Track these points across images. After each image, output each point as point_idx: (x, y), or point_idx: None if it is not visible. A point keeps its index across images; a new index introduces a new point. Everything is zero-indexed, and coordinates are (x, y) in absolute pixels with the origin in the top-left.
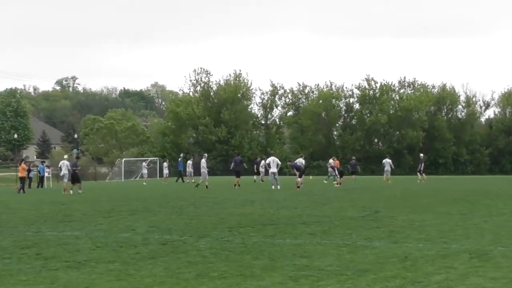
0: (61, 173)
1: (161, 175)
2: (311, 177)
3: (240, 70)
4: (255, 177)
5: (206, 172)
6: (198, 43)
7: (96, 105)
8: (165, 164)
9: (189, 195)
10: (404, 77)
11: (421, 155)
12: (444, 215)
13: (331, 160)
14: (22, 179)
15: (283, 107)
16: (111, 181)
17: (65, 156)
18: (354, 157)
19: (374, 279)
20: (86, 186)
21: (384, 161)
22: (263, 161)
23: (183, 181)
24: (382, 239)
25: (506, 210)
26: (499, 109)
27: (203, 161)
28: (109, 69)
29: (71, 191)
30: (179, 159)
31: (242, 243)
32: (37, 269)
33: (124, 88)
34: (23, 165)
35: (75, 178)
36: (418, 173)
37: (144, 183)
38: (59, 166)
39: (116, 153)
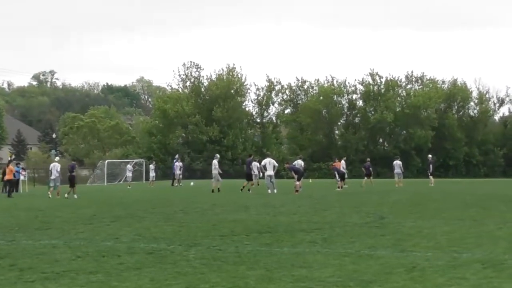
0: (52, 177)
1: (147, 178)
2: (310, 180)
3: (233, 64)
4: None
5: (218, 174)
6: (187, 35)
7: (76, 102)
8: (151, 166)
9: (178, 200)
10: (412, 72)
11: (429, 156)
12: (455, 221)
13: (342, 161)
14: (8, 182)
15: (280, 104)
16: (92, 184)
17: (56, 159)
18: (369, 159)
19: None
20: (64, 191)
21: (394, 163)
22: (255, 163)
23: (173, 185)
24: (388, 248)
25: None
26: None
27: (215, 162)
28: (91, 63)
29: (66, 195)
30: (174, 161)
31: (235, 252)
32: (12, 281)
33: (107, 83)
34: (10, 166)
35: (71, 181)
36: (429, 176)
37: (129, 187)
38: (49, 168)
39: (98, 154)
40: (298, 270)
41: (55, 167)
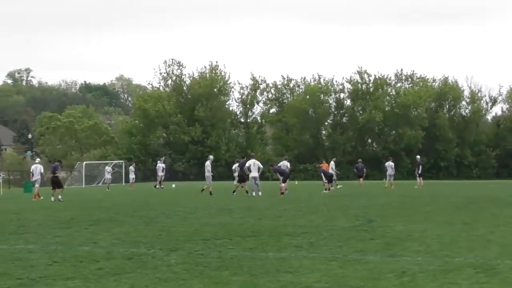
0: (33, 178)
1: (127, 180)
2: (296, 182)
3: (216, 62)
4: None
5: (211, 176)
6: (169, 31)
7: (53, 101)
8: (131, 167)
9: (159, 203)
10: (401, 70)
11: (418, 157)
12: (446, 225)
13: (332, 163)
14: None
15: (265, 104)
16: (70, 187)
17: (37, 160)
18: (360, 160)
19: None
20: (41, 193)
21: (386, 164)
22: (236, 164)
23: (156, 186)
24: (377, 252)
25: None
26: (508, 106)
27: (208, 163)
28: (68, 60)
29: (52, 198)
30: (159, 163)
31: (218, 257)
32: None
33: (85, 81)
34: None
35: (56, 183)
36: (417, 178)
37: (108, 189)
38: (31, 170)
39: (76, 156)
40: (283, 276)
41: (38, 168)
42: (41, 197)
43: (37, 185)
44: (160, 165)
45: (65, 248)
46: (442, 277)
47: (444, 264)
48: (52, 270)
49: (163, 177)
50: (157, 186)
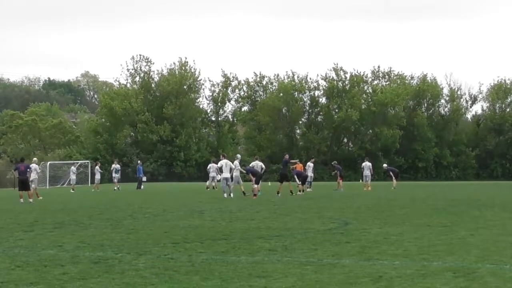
0: (31, 178)
1: (92, 181)
2: (269, 183)
3: (186, 58)
4: (207, 183)
5: (239, 175)
6: (136, 26)
7: (15, 98)
8: (97, 167)
9: (126, 204)
10: (378, 67)
11: (385, 165)
12: (424, 227)
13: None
14: None
15: (237, 102)
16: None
17: (34, 159)
18: (335, 161)
19: None
20: (3, 195)
21: (363, 164)
22: (212, 164)
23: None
24: (353, 256)
25: (496, 222)
26: (488, 104)
27: (236, 163)
28: (31, 56)
29: (21, 200)
30: (138, 166)
31: (188, 261)
32: None
33: (48, 78)
34: None
35: (25, 184)
36: (393, 179)
37: (72, 191)
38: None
39: (40, 155)
40: (256, 280)
41: (33, 168)
42: (40, 197)
43: (33, 185)
44: (114, 166)
45: (28, 252)
46: (420, 282)
47: (422, 268)
48: (14, 274)
49: (116, 179)
50: (115, 188)
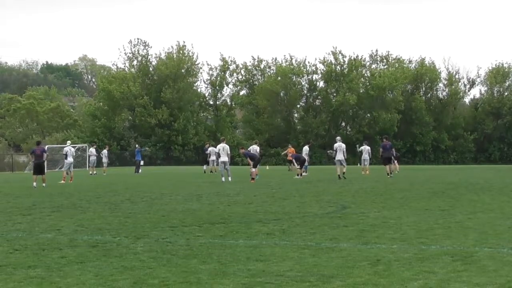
0: (68, 160)
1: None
2: (267, 167)
3: (184, 42)
4: (204, 167)
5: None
6: (135, 10)
7: (13, 82)
8: (104, 151)
9: (124, 188)
10: (376, 51)
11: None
12: (422, 211)
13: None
14: None
15: (235, 85)
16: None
17: (68, 142)
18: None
19: (341, 286)
20: (1, 178)
21: (361, 148)
22: (211, 148)
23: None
24: (351, 240)
25: (494, 205)
26: (486, 88)
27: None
28: (29, 40)
29: (34, 184)
30: (136, 149)
31: (186, 245)
32: None
33: (46, 62)
34: None
35: (40, 168)
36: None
37: (95, 173)
38: (64, 153)
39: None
40: (254, 264)
41: (66, 150)
42: (34, 184)
43: (66, 168)
44: (104, 151)
45: (27, 236)
46: (418, 265)
47: (420, 252)
48: (12, 258)
49: (95, 164)
50: (95, 172)
